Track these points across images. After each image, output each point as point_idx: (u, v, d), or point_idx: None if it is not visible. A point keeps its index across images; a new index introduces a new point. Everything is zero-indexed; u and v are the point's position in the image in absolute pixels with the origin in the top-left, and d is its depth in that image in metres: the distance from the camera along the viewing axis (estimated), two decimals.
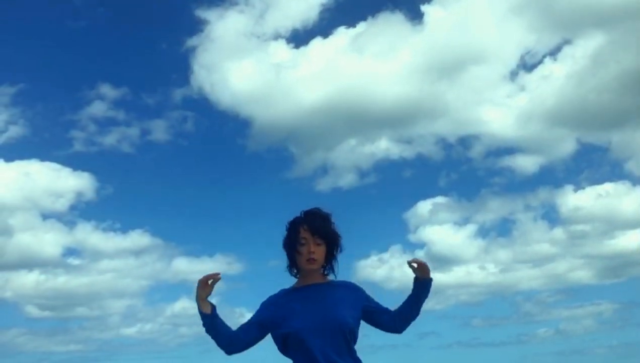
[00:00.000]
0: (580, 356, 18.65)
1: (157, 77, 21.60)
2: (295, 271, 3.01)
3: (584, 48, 19.10)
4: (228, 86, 19.57)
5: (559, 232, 20.33)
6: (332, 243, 2.95)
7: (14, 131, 19.54)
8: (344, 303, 2.91)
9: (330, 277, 3.02)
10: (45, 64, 21.10)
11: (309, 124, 20.10)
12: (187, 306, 20.33)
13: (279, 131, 20.13)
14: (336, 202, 20.70)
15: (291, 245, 2.93)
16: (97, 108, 19.88)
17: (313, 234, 2.89)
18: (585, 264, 20.10)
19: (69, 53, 21.24)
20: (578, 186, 20.11)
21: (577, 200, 19.83)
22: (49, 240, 19.90)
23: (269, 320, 2.91)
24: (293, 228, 2.95)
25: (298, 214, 2.98)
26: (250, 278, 20.67)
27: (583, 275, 20.19)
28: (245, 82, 19.72)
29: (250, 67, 19.95)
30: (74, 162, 20.15)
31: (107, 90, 19.86)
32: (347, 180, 20.68)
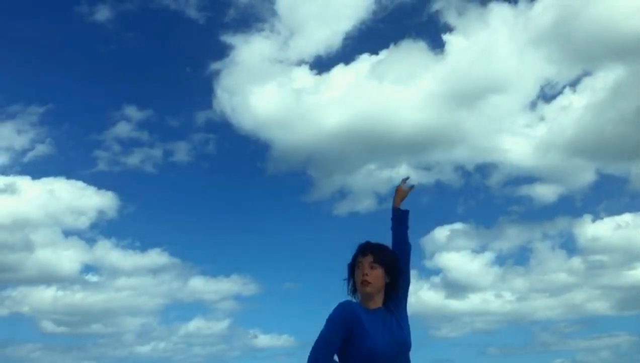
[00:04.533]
0: None
1: (181, 100, 22.07)
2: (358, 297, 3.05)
3: (604, 80, 19.31)
4: (249, 110, 19.94)
5: (576, 262, 20.27)
6: (391, 269, 3.00)
7: (40, 149, 20.02)
8: (405, 321, 3.05)
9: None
10: (73, 85, 21.68)
11: (329, 149, 20.35)
12: (201, 326, 20.45)
13: (298, 155, 20.41)
14: (353, 226, 20.79)
15: (352, 272, 3.05)
16: (122, 129, 20.35)
17: (365, 255, 2.99)
18: (603, 294, 19.98)
19: (97, 75, 21.81)
20: (596, 216, 20.10)
21: (596, 230, 19.81)
22: (68, 257, 20.18)
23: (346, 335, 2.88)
24: (353, 256, 3.06)
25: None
26: (265, 299, 20.77)
27: (600, 305, 20.05)
28: (266, 107, 20.07)
29: (272, 91, 20.33)
30: (98, 181, 20.51)
31: (132, 111, 20.34)
32: (365, 205, 20.82)
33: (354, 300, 3.04)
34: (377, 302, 3.01)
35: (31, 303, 20.15)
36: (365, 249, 3.03)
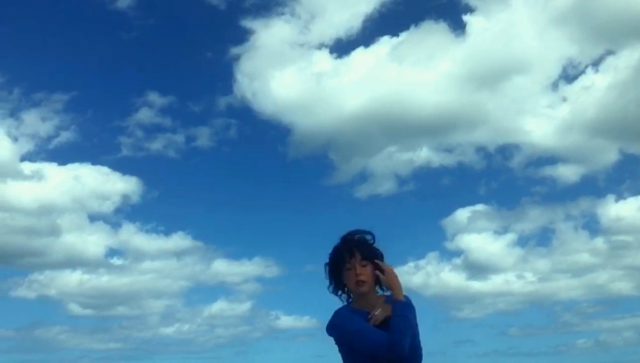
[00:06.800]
0: None
1: (202, 85, 22.27)
2: (347, 295, 3.01)
3: (627, 59, 19.12)
4: (270, 94, 20.05)
5: (599, 242, 20.24)
6: (377, 261, 2.94)
7: (65, 136, 20.34)
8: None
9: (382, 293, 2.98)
10: (96, 73, 21.98)
11: (349, 132, 20.42)
12: (224, 307, 20.78)
13: (319, 139, 20.50)
14: (374, 209, 20.93)
15: (337, 273, 2.96)
16: (145, 115, 20.59)
17: (352, 255, 2.91)
18: (626, 275, 19.96)
19: (119, 63, 22.06)
20: (620, 196, 20.04)
21: (619, 210, 19.75)
22: (94, 241, 20.57)
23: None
24: (335, 257, 2.97)
25: (336, 243, 2.99)
26: (287, 281, 21.01)
27: (624, 286, 20.03)
28: (287, 91, 20.17)
29: (292, 76, 20.41)
30: (122, 166, 20.80)
31: (154, 98, 20.56)
32: (386, 187, 20.92)
33: (342, 302, 2.99)
34: (371, 300, 2.93)
35: (58, 287, 20.61)
36: (352, 248, 2.93)
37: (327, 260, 3.03)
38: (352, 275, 2.91)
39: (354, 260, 2.91)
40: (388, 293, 2.94)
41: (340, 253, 2.95)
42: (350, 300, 3.01)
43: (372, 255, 2.94)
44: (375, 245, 2.99)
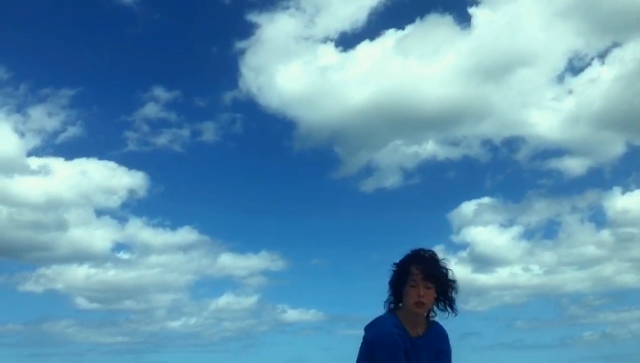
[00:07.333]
0: (627, 361, 18.59)
1: (208, 80, 22.26)
2: (393, 305, 2.94)
3: (634, 51, 18.97)
4: (275, 89, 20.02)
5: (605, 234, 20.20)
6: (442, 288, 2.88)
7: (72, 131, 20.39)
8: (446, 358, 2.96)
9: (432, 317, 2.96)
10: (102, 68, 21.94)
11: (355, 126, 20.39)
12: (231, 301, 20.88)
13: (324, 133, 20.49)
14: (380, 202, 20.97)
15: (400, 284, 2.87)
16: (150, 110, 20.62)
17: (424, 277, 2.81)
18: (633, 267, 19.91)
19: (124, 58, 22.05)
20: (626, 189, 19.99)
21: (626, 202, 19.70)
22: (100, 235, 20.65)
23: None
24: (404, 266, 2.87)
25: (409, 253, 2.90)
26: (293, 274, 21.08)
27: (630, 278, 20.01)
28: (292, 85, 20.14)
29: (297, 69, 20.36)
30: (128, 161, 20.85)
31: (160, 92, 20.58)
32: (392, 181, 20.91)
33: (390, 316, 2.89)
34: (421, 324, 2.90)
35: (65, 281, 20.72)
36: (424, 266, 2.83)
37: (394, 267, 2.94)
38: (414, 293, 2.81)
39: (421, 278, 2.81)
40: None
41: (410, 266, 2.86)
42: (394, 307, 2.92)
43: (440, 281, 2.86)
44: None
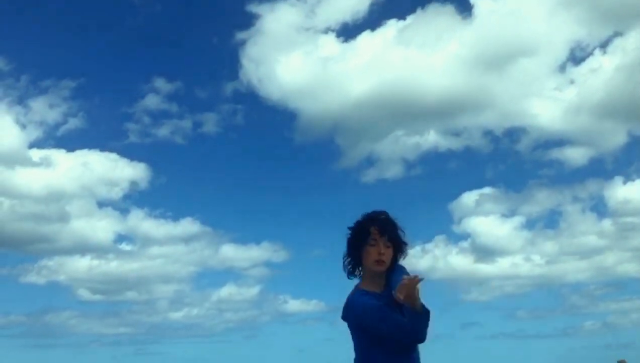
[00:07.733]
0: (628, 350, 18.77)
1: (209, 71, 22.37)
2: (357, 271, 2.97)
3: (635, 40, 19.04)
4: (276, 80, 20.16)
5: (607, 224, 20.37)
6: (398, 249, 2.94)
7: (73, 123, 20.52)
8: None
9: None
10: (103, 59, 22.10)
11: (356, 117, 20.48)
12: (233, 292, 21.05)
13: (325, 124, 20.59)
14: (381, 193, 21.05)
15: (359, 244, 2.90)
16: (151, 101, 20.73)
17: (382, 235, 2.86)
18: (634, 257, 20.11)
19: (125, 49, 22.13)
20: (628, 178, 20.13)
21: (627, 192, 19.87)
22: (102, 227, 20.82)
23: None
24: (362, 227, 2.91)
25: (366, 214, 2.93)
26: (295, 265, 21.21)
27: (631, 268, 20.19)
28: (293, 76, 20.23)
29: (298, 60, 20.47)
30: (130, 152, 20.95)
31: (161, 84, 20.68)
32: (393, 172, 21.03)
33: (352, 279, 2.95)
34: (380, 283, 2.91)
35: (67, 272, 20.95)
36: (383, 227, 2.88)
37: (352, 229, 2.95)
38: (374, 252, 2.86)
39: (382, 238, 2.86)
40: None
41: (367, 226, 2.89)
42: (359, 280, 2.96)
43: (398, 241, 2.92)
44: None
